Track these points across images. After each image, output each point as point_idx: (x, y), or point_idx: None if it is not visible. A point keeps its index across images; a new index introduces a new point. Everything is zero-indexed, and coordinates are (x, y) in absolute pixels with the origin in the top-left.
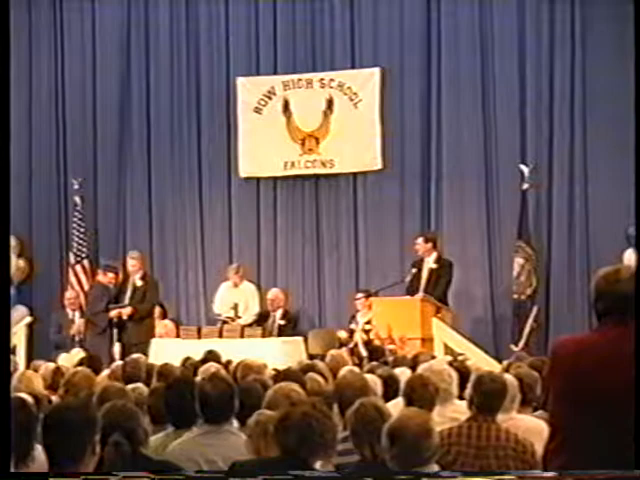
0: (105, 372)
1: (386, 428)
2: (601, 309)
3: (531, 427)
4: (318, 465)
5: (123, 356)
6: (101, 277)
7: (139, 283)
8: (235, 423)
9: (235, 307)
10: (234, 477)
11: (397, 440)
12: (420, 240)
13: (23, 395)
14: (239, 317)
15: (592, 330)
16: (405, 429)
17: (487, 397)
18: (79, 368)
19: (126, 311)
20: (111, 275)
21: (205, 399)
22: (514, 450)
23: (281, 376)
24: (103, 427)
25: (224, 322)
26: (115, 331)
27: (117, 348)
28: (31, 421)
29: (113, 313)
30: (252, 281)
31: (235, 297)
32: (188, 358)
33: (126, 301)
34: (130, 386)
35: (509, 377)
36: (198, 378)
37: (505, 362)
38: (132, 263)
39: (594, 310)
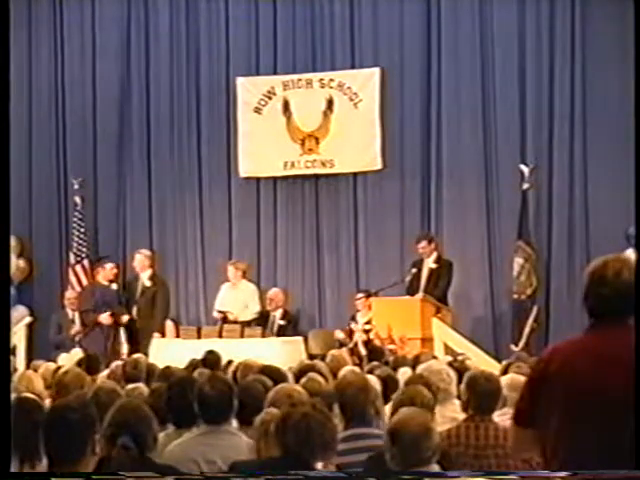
0: (105, 372)
1: (386, 428)
2: (589, 308)
3: None
4: (319, 465)
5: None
6: (101, 275)
7: (148, 283)
8: (235, 423)
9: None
10: (237, 477)
11: (397, 440)
12: (424, 243)
13: (32, 395)
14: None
15: (585, 331)
16: (405, 429)
17: (483, 397)
18: (69, 368)
19: (124, 319)
20: (110, 265)
21: (204, 399)
22: None
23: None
24: (112, 425)
25: (224, 317)
26: (122, 331)
27: (124, 348)
28: (41, 421)
29: (103, 317)
30: (252, 280)
31: (235, 295)
32: (193, 361)
33: (135, 302)
34: (130, 386)
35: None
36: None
37: (505, 362)
38: (140, 259)
39: (584, 307)
